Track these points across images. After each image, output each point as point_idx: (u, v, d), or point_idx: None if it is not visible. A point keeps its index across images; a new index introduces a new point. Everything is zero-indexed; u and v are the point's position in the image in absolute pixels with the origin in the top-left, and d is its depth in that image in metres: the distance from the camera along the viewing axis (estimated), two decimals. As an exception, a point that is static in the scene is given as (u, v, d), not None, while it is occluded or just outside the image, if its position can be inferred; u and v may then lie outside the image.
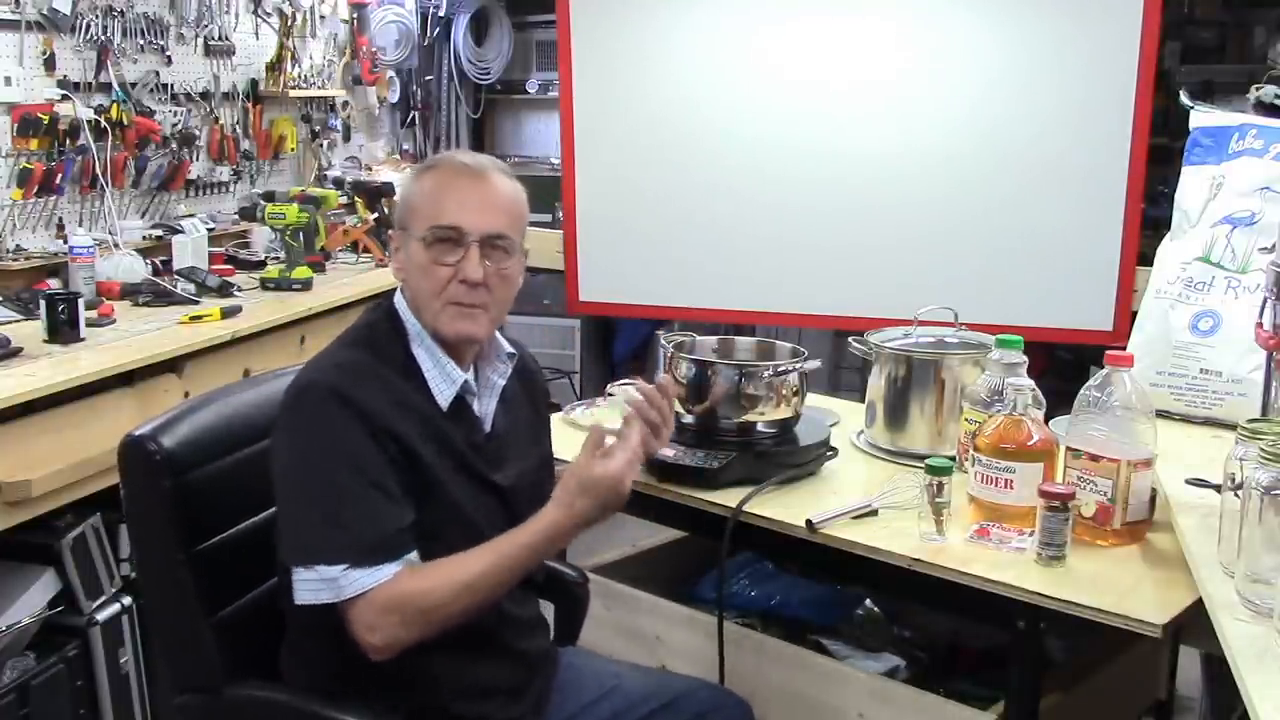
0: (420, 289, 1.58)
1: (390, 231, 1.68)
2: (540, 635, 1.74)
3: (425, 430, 1.54)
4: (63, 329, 2.69)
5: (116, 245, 3.44)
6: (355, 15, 4.90)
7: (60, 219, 3.37)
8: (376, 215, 4.13)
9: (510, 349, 1.69)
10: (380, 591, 1.45)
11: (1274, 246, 1.91)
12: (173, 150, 3.79)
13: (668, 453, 1.99)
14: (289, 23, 4.36)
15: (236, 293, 3.33)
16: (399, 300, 1.62)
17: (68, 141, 3.33)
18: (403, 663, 1.49)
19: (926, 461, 1.77)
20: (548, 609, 1.93)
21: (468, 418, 1.61)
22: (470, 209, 1.56)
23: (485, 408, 1.64)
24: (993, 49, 3.02)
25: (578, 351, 4.89)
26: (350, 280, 3.72)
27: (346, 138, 4.90)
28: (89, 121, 3.37)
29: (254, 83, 4.23)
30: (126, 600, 2.69)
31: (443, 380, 1.58)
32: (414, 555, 1.48)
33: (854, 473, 2.10)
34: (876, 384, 2.17)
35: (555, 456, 1.81)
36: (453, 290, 1.55)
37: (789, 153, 3.18)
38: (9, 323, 2.84)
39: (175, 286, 3.26)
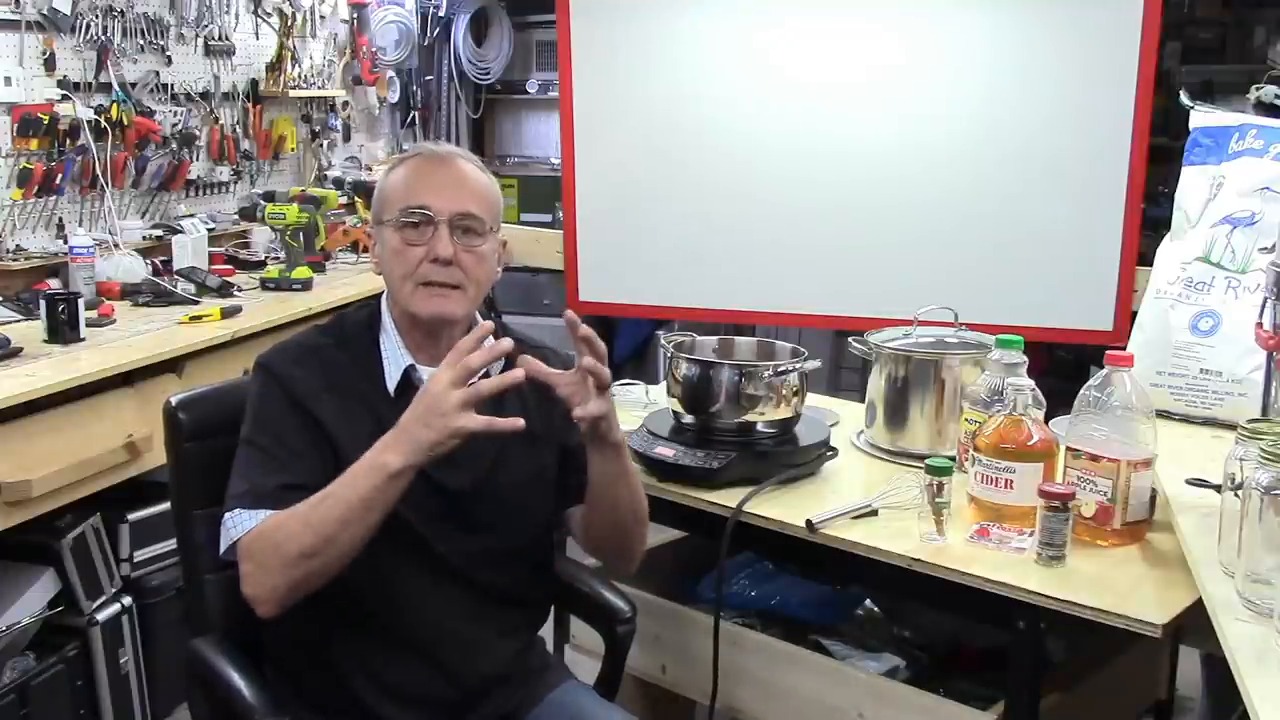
0: (393, 273, 1.60)
1: (368, 228, 1.70)
2: (495, 662, 1.65)
3: (363, 414, 1.56)
4: (63, 329, 2.69)
5: (116, 245, 3.43)
6: (355, 15, 4.90)
7: (60, 219, 3.37)
8: (376, 215, 4.13)
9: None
10: (245, 537, 1.49)
11: (1274, 246, 1.91)
12: (173, 150, 3.79)
13: (667, 453, 2.00)
14: (289, 23, 4.36)
15: (236, 293, 3.33)
16: (384, 298, 1.66)
17: (68, 141, 3.33)
18: (312, 647, 1.56)
19: (926, 461, 1.77)
20: (594, 636, 1.90)
21: None
22: (439, 191, 1.59)
23: None
24: (992, 49, 3.01)
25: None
26: (350, 280, 3.72)
27: (346, 138, 4.90)
28: (89, 121, 3.37)
29: (254, 83, 4.23)
30: (126, 600, 2.69)
31: (393, 364, 1.61)
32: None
33: (854, 473, 2.10)
34: (876, 384, 2.17)
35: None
36: (424, 270, 1.58)
37: (789, 152, 3.17)
38: (9, 323, 2.84)
39: (175, 286, 3.26)
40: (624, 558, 1.76)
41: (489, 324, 1.49)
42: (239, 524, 1.50)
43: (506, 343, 1.47)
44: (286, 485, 1.50)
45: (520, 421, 1.45)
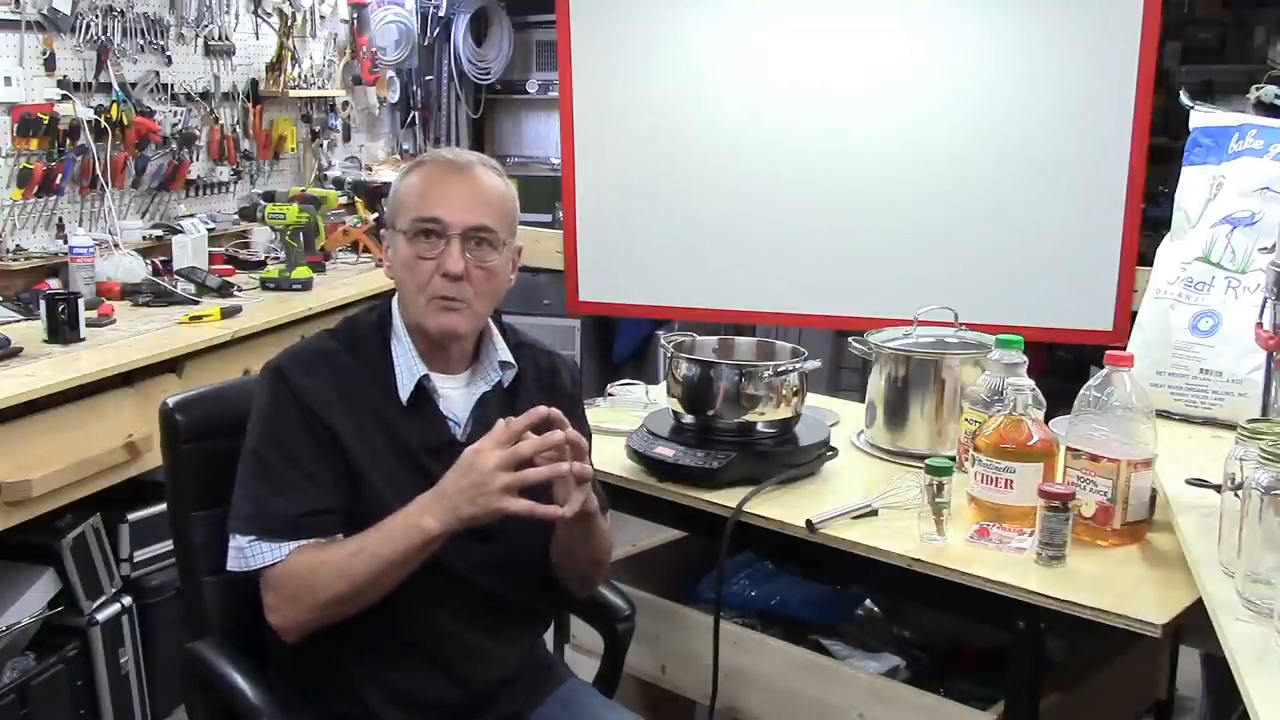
0: (405, 284, 1.60)
1: (382, 231, 1.69)
2: (503, 666, 1.65)
3: (375, 424, 1.55)
4: (63, 329, 2.69)
5: (116, 245, 3.43)
6: (355, 15, 4.90)
7: (60, 219, 3.37)
8: (376, 215, 4.14)
9: (508, 358, 1.67)
10: (274, 568, 1.50)
11: (1274, 246, 1.91)
12: (173, 150, 3.79)
13: (667, 453, 2.00)
14: (289, 23, 4.36)
15: (236, 293, 3.33)
16: (395, 301, 1.65)
17: (68, 141, 3.33)
18: (318, 653, 1.54)
19: (926, 461, 1.78)
20: (593, 636, 1.90)
21: (430, 416, 1.60)
22: (453, 202, 1.57)
23: (458, 411, 1.62)
24: (992, 49, 3.02)
25: (578, 351, 4.89)
26: (350, 280, 3.72)
27: (346, 138, 4.90)
28: (89, 121, 3.37)
29: (254, 83, 4.23)
30: (126, 600, 2.69)
31: (406, 374, 1.59)
32: (324, 541, 1.51)
33: (854, 473, 2.10)
34: (876, 384, 2.17)
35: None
36: (435, 284, 1.57)
37: (789, 152, 3.17)
38: (9, 323, 2.84)
39: (175, 286, 3.26)
40: (578, 586, 1.76)
41: (542, 410, 1.47)
42: (259, 554, 1.50)
43: (557, 435, 1.46)
44: (306, 513, 1.50)
45: (560, 510, 1.47)
